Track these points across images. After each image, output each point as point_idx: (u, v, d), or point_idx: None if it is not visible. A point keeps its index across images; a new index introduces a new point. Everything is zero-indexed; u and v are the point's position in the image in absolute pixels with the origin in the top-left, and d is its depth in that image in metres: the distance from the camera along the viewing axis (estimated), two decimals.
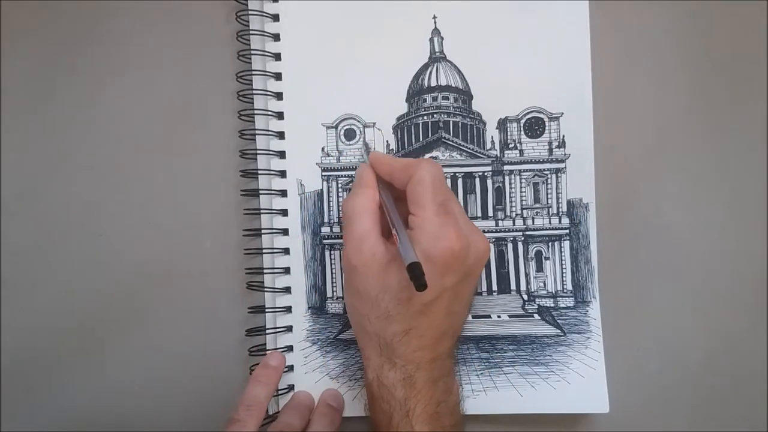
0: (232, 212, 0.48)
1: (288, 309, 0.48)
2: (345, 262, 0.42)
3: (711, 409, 0.47)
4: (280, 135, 0.48)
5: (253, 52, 0.47)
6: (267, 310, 0.47)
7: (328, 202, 0.48)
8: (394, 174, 0.42)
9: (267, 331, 0.47)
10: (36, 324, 0.49)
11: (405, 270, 0.37)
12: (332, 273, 0.48)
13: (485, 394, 0.46)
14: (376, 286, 0.40)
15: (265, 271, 0.47)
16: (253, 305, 0.47)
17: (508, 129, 0.48)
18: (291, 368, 0.47)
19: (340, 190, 0.48)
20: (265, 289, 0.47)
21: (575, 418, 0.47)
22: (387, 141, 0.48)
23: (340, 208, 0.46)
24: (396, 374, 0.39)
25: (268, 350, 0.47)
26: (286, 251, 0.48)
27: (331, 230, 0.48)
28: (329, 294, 0.48)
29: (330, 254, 0.48)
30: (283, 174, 0.48)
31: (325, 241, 0.48)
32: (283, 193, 0.48)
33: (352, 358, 0.47)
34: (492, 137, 0.48)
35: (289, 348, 0.47)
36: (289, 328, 0.47)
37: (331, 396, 0.47)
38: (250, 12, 0.48)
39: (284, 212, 0.48)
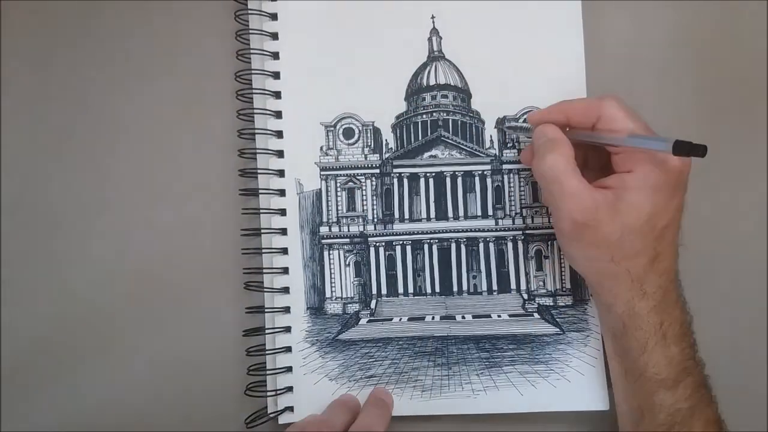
0: (230, 212, 0.48)
1: (286, 309, 0.47)
2: (568, 223, 0.39)
3: None
4: (279, 134, 0.48)
5: (252, 51, 0.47)
6: (266, 310, 0.47)
7: (327, 201, 0.48)
8: (574, 118, 0.41)
9: (266, 332, 0.47)
10: (36, 324, 0.48)
11: (635, 203, 0.38)
12: (331, 273, 0.48)
13: (485, 393, 0.46)
14: (616, 231, 0.38)
15: (263, 270, 0.47)
16: (251, 305, 0.47)
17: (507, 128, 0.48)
18: (290, 369, 0.47)
19: (338, 189, 0.48)
20: (264, 289, 0.47)
21: (575, 416, 0.47)
22: (386, 140, 0.48)
23: (535, 173, 0.41)
24: (647, 303, 0.39)
25: (268, 350, 0.47)
26: (285, 251, 0.47)
27: (330, 230, 0.48)
28: (328, 294, 0.48)
29: (329, 254, 0.48)
30: (281, 173, 0.48)
31: (323, 240, 0.48)
32: (282, 193, 0.47)
33: (352, 359, 0.47)
34: (491, 136, 0.48)
35: (288, 349, 0.47)
36: (288, 329, 0.47)
37: (383, 392, 0.47)
38: (249, 11, 0.48)
39: (283, 212, 0.47)
